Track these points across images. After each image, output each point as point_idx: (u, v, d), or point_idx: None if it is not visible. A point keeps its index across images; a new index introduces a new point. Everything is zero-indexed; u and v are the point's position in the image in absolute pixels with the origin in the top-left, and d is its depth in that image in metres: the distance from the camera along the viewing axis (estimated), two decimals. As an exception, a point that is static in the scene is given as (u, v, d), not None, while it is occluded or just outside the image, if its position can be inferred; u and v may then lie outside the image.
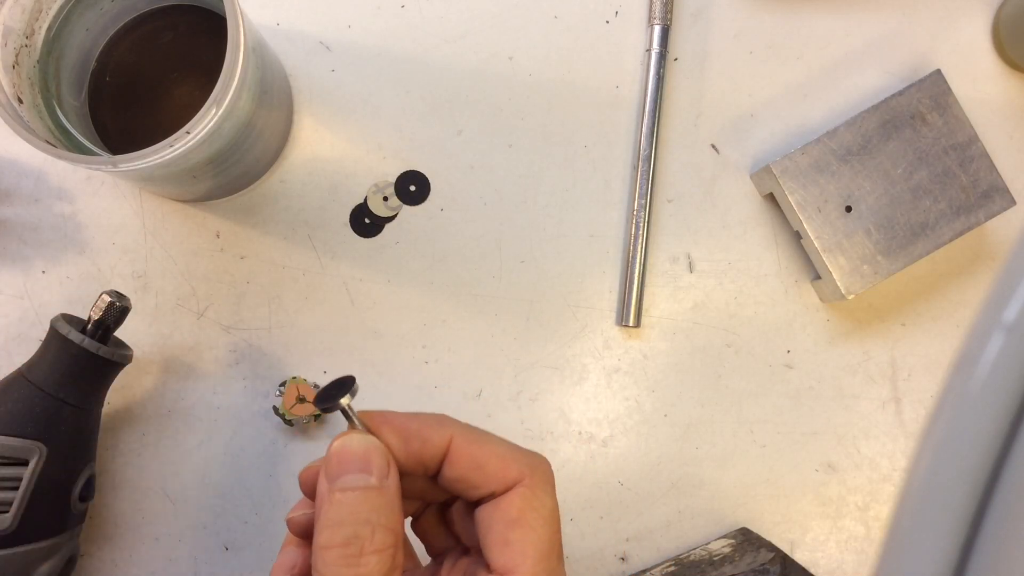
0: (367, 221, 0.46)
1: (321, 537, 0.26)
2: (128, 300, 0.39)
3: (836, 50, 0.48)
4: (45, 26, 0.38)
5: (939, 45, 0.48)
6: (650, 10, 0.47)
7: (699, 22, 0.47)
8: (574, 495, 0.46)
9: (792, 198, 0.44)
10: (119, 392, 0.44)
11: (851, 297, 0.44)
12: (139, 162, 0.33)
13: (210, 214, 0.45)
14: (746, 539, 0.44)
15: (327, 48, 0.46)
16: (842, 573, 0.47)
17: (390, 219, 0.46)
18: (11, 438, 0.36)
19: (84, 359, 0.38)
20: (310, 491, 0.29)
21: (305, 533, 0.30)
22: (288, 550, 0.30)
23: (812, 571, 0.42)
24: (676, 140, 0.47)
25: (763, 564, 0.41)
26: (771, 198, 0.47)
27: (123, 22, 0.41)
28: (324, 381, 0.45)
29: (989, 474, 0.15)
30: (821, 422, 0.47)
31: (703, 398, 0.46)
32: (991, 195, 0.44)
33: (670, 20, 0.46)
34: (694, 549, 0.45)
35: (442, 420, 0.29)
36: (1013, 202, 0.44)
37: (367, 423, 0.29)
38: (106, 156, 0.33)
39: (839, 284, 0.44)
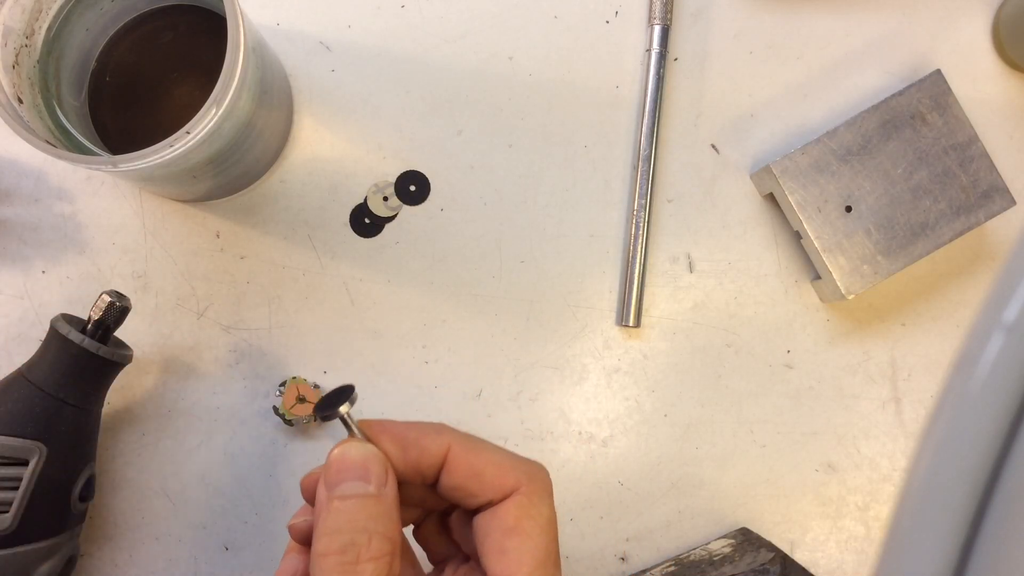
0: (367, 221, 0.46)
1: (319, 544, 0.27)
2: (128, 300, 0.39)
3: (836, 50, 0.48)
4: (45, 26, 0.38)
5: (939, 45, 0.48)
6: (650, 10, 0.47)
7: (699, 22, 0.47)
8: (574, 495, 0.46)
9: (792, 198, 0.44)
10: (119, 392, 0.44)
11: (851, 297, 0.44)
12: (139, 162, 0.33)
13: (210, 214, 0.45)
14: (746, 539, 0.44)
15: (327, 48, 0.46)
16: (842, 573, 0.47)
17: (390, 219, 0.46)
18: (11, 438, 0.36)
19: (84, 359, 0.38)
20: (311, 497, 0.30)
21: (306, 539, 0.30)
22: (290, 557, 0.30)
23: (812, 571, 0.42)
24: (676, 140, 0.47)
25: (763, 564, 0.41)
26: (771, 198, 0.47)
27: (123, 22, 0.41)
28: (324, 381, 0.45)
29: (989, 474, 0.15)
30: (821, 422, 0.47)
31: (703, 398, 0.46)
32: (991, 195, 0.44)
33: (670, 20, 0.46)
34: (694, 549, 0.45)
35: (440, 429, 0.29)
36: (1013, 202, 0.44)
37: (366, 431, 0.29)
38: (106, 156, 0.33)
39: (839, 284, 0.44)
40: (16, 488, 0.36)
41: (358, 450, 0.28)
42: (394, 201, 0.46)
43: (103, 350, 0.38)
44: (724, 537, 0.45)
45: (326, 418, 0.29)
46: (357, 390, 0.29)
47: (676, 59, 0.47)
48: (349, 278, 0.45)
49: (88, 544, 0.44)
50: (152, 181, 0.41)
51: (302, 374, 0.45)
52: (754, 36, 0.48)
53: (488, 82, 0.46)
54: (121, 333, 0.41)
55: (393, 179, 0.46)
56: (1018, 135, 0.48)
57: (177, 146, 0.33)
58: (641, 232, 0.46)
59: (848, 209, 0.44)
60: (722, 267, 0.47)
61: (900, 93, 0.44)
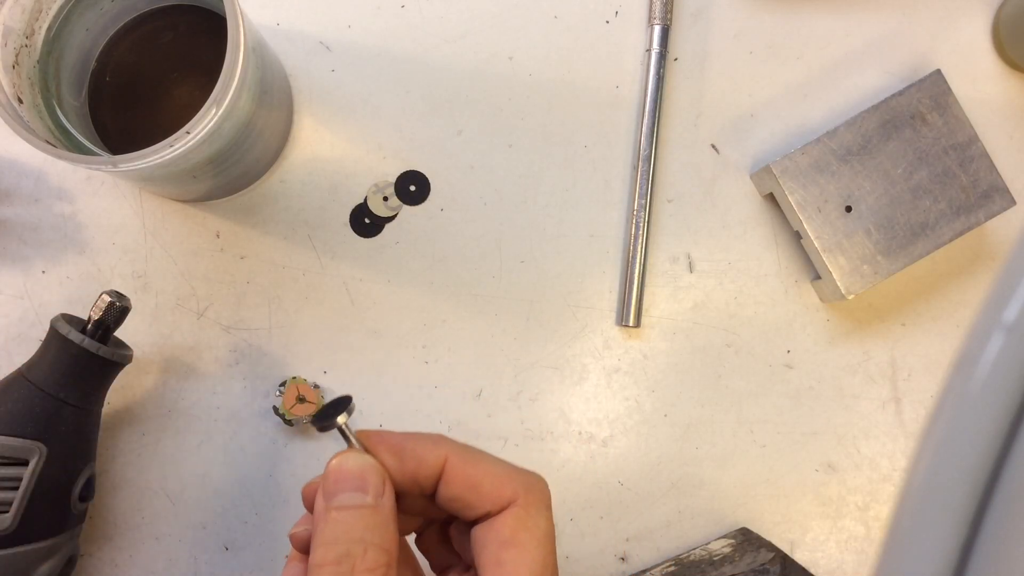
0: (367, 221, 0.46)
1: (315, 554, 0.27)
2: (128, 300, 0.39)
3: (836, 50, 0.48)
4: (45, 26, 0.38)
5: (939, 45, 0.48)
6: (650, 10, 0.47)
7: (699, 22, 0.47)
8: (574, 495, 0.46)
9: (792, 198, 0.44)
10: (119, 392, 0.44)
11: (851, 297, 0.44)
12: (139, 162, 0.33)
13: (210, 214, 0.45)
14: (746, 539, 0.44)
15: (327, 48, 0.46)
16: (842, 573, 0.47)
17: (390, 219, 0.46)
18: (11, 438, 0.36)
19: (84, 359, 0.38)
20: (312, 506, 0.30)
21: (307, 548, 0.30)
22: (292, 565, 0.30)
23: (812, 571, 0.42)
24: (676, 140, 0.47)
25: (763, 564, 0.41)
26: (771, 198, 0.47)
27: (123, 22, 0.41)
28: (324, 381, 0.45)
29: (989, 474, 0.15)
30: (821, 422, 0.47)
31: (703, 398, 0.46)
32: (991, 195, 0.44)
33: (670, 20, 0.46)
34: (694, 549, 0.45)
35: (438, 440, 0.29)
36: (1013, 202, 0.44)
37: (364, 442, 0.29)
38: (106, 156, 0.33)
39: (839, 284, 0.44)
40: (16, 488, 0.36)
41: (355, 461, 0.28)
42: (394, 201, 0.46)
43: (103, 350, 0.38)
44: (724, 537, 0.45)
45: (324, 429, 0.29)
46: (356, 394, 0.29)
47: (676, 59, 0.47)
48: (349, 278, 0.45)
49: (88, 544, 0.44)
50: (152, 181, 0.41)
51: (302, 374, 0.45)
52: (754, 36, 0.48)
53: (488, 82, 0.46)
54: (121, 333, 0.41)
55: (393, 179, 0.46)
56: (1018, 135, 0.48)
57: (177, 146, 0.33)
58: (641, 232, 0.46)
59: (848, 209, 0.44)
60: (722, 267, 0.47)
61: (900, 93, 0.44)
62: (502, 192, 0.46)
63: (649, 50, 0.46)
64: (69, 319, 0.39)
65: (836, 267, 0.44)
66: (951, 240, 0.44)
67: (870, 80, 0.48)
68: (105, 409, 0.42)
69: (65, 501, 0.38)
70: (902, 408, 0.47)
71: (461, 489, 0.29)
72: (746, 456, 0.46)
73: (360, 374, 0.45)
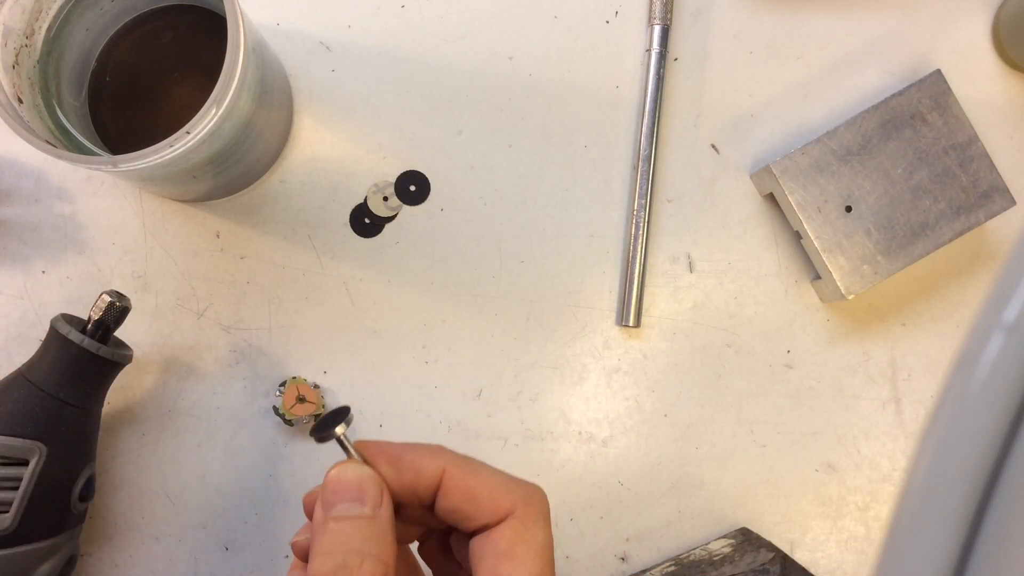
0: (367, 221, 0.46)
1: (313, 565, 0.27)
2: (128, 300, 0.39)
3: (836, 50, 0.48)
4: (45, 26, 0.38)
5: (939, 45, 0.48)
6: (650, 10, 0.47)
7: (699, 22, 0.47)
8: (574, 495, 0.46)
9: (792, 198, 0.44)
10: (119, 392, 0.44)
11: (851, 297, 0.44)
12: (139, 162, 0.33)
13: (210, 214, 0.45)
14: (746, 539, 0.44)
15: (327, 48, 0.46)
16: (842, 573, 0.47)
17: (390, 219, 0.46)
18: (11, 438, 0.36)
19: (84, 359, 0.38)
20: (313, 515, 0.30)
21: (308, 556, 0.30)
22: (294, 574, 0.30)
23: (812, 571, 0.42)
24: (676, 140, 0.47)
25: (763, 564, 0.41)
26: (771, 198, 0.47)
27: (123, 22, 0.41)
28: (324, 381, 0.45)
29: (989, 474, 0.15)
30: (821, 422, 0.47)
31: (703, 398, 0.46)
32: (991, 195, 0.44)
33: (670, 20, 0.46)
34: (694, 549, 0.45)
35: (436, 451, 0.29)
36: (1013, 202, 0.44)
37: (363, 453, 0.29)
38: (106, 156, 0.33)
39: (839, 284, 0.44)
40: (16, 488, 0.36)
41: (354, 472, 0.28)
42: (394, 201, 0.46)
43: (103, 350, 0.38)
44: (724, 537, 0.45)
45: (322, 440, 0.29)
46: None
47: (676, 59, 0.47)
48: (349, 278, 0.45)
49: (88, 544, 0.44)
50: (152, 181, 0.41)
51: (302, 374, 0.45)
52: (754, 36, 0.48)
53: (488, 82, 0.46)
54: (121, 333, 0.41)
55: (393, 179, 0.46)
56: (1018, 135, 0.48)
57: (177, 146, 0.33)
58: (641, 232, 0.46)
59: (848, 209, 0.44)
60: (722, 267, 0.47)
61: (900, 93, 0.44)
62: (502, 192, 0.46)
63: (649, 50, 0.46)
64: (69, 319, 0.39)
65: (836, 267, 0.44)
66: (951, 240, 0.44)
67: (870, 80, 0.48)
68: (105, 409, 0.42)
69: (65, 501, 0.38)
70: (902, 408, 0.47)
71: (459, 500, 0.29)
72: (746, 456, 0.46)
73: (360, 374, 0.45)
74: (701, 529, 0.46)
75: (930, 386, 0.48)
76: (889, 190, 0.44)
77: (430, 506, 0.30)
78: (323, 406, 0.44)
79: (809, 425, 0.47)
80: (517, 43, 0.47)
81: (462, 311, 0.46)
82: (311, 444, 0.45)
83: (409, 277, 0.46)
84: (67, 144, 0.38)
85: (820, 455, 0.47)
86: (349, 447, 0.29)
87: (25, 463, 0.37)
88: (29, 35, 0.38)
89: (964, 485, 0.15)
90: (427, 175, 0.46)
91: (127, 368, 0.41)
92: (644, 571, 0.45)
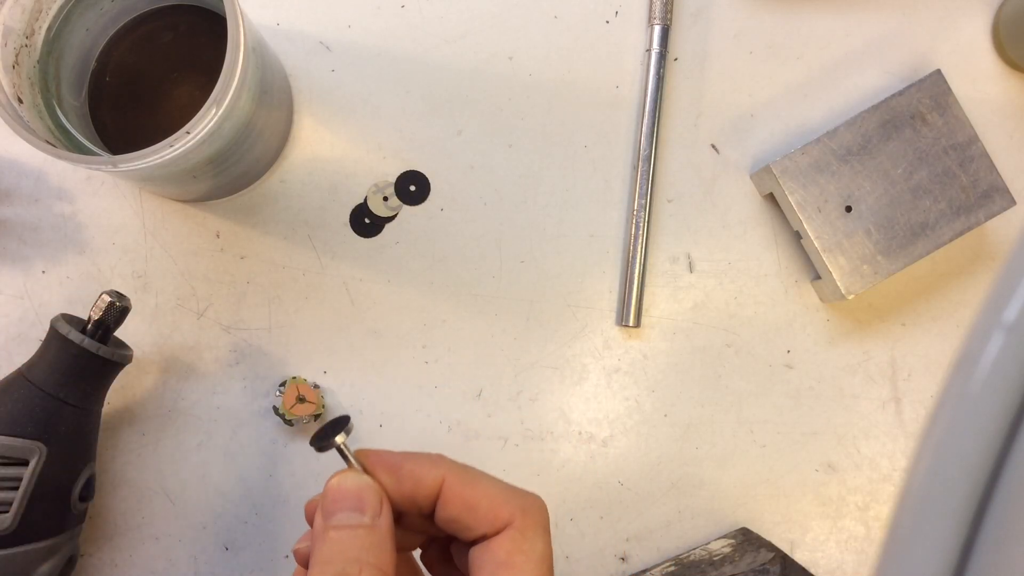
0: (367, 221, 0.46)
1: (313, 573, 0.27)
2: (128, 300, 0.39)
3: (836, 50, 0.48)
4: (45, 26, 0.38)
5: (939, 45, 0.48)
6: (650, 10, 0.47)
7: (699, 22, 0.47)
8: (574, 495, 0.46)
9: (792, 198, 0.44)
10: (119, 392, 0.44)
11: (851, 297, 0.44)
12: (139, 162, 0.33)
13: (210, 214, 0.45)
14: (746, 539, 0.44)
15: (327, 48, 0.46)
16: (842, 573, 0.47)
17: (390, 219, 0.46)
18: (11, 438, 0.36)
19: (84, 359, 0.38)
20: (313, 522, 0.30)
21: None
22: None
23: (812, 571, 0.42)
24: (676, 140, 0.47)
25: (763, 564, 0.41)
26: (771, 198, 0.47)
27: (123, 22, 0.41)
28: (324, 381, 0.45)
29: (989, 474, 0.15)
30: (821, 422, 0.47)
31: (703, 398, 0.46)
32: (991, 195, 0.44)
33: (670, 20, 0.46)
34: (694, 549, 0.45)
35: (436, 461, 0.29)
36: (1013, 202, 0.44)
37: (362, 461, 0.29)
38: (106, 156, 0.33)
39: (839, 284, 0.44)
40: (16, 488, 0.36)
41: (353, 481, 0.28)
42: (394, 201, 0.46)
43: (103, 350, 0.38)
44: (724, 537, 0.45)
45: (322, 449, 0.29)
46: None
47: (676, 59, 0.47)
48: (349, 278, 0.45)
49: (88, 544, 0.44)
50: (152, 181, 0.41)
51: (302, 374, 0.45)
52: (754, 36, 0.48)
53: (488, 82, 0.46)
54: (121, 333, 0.41)
55: (393, 179, 0.46)
56: (1018, 135, 0.48)
57: (177, 146, 0.33)
58: (641, 232, 0.46)
59: (848, 209, 0.44)
60: (722, 267, 0.47)
61: (900, 93, 0.44)
62: (502, 192, 0.46)
63: (649, 50, 0.46)
64: (69, 319, 0.39)
65: (836, 267, 0.44)
66: (951, 240, 0.44)
67: (870, 80, 0.48)
68: (105, 409, 0.42)
69: (65, 501, 0.38)
70: (902, 408, 0.47)
71: (458, 510, 0.29)
72: (746, 456, 0.46)
73: (360, 374, 0.45)
74: (701, 529, 0.46)
75: (930, 386, 0.48)
76: (889, 190, 0.44)
77: (430, 515, 0.30)
78: (323, 406, 0.44)
79: (809, 425, 0.47)
80: (517, 43, 0.47)
81: (462, 311, 0.46)
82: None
83: (409, 277, 0.46)
84: (67, 144, 0.38)
85: (820, 455, 0.47)
86: (349, 456, 0.29)
87: (25, 463, 0.37)
88: (29, 35, 0.38)
89: (964, 485, 0.15)
90: (427, 175, 0.46)
91: (127, 368, 0.41)
92: (644, 571, 0.45)
